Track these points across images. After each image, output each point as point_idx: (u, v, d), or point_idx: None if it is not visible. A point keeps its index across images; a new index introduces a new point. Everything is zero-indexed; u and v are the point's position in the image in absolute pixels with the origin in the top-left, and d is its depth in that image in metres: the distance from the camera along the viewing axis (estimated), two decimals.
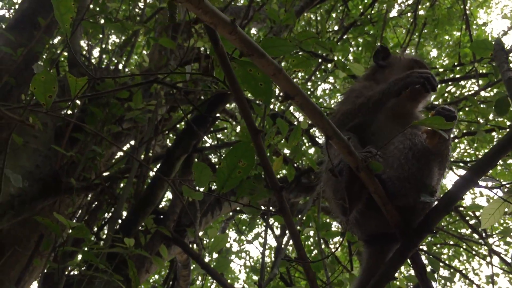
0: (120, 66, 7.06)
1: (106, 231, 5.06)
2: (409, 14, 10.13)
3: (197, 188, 2.06)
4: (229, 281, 11.25)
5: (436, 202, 2.09)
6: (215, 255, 9.33)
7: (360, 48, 9.35)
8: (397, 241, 2.15)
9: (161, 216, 5.23)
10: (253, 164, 1.82)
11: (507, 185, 2.11)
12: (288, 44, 1.75)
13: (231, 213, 9.25)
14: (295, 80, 10.47)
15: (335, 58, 4.23)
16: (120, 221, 4.91)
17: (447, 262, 9.91)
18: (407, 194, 2.05)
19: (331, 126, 1.79)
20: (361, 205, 2.16)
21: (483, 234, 8.04)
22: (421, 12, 9.99)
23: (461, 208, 7.68)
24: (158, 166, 5.86)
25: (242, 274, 11.22)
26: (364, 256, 2.41)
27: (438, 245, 10.10)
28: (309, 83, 9.76)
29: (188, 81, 3.68)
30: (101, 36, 6.65)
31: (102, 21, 6.19)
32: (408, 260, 2.28)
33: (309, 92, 8.84)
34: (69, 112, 5.87)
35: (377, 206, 2.06)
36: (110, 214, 5.48)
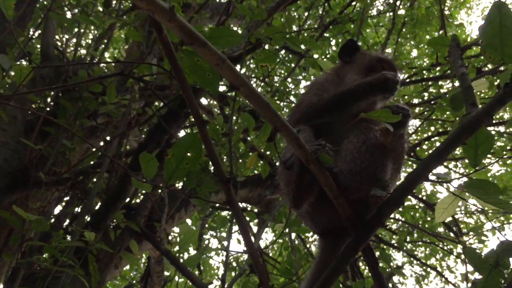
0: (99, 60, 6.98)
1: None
2: (390, 13, 10.18)
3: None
4: (208, 277, 11.22)
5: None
6: (192, 251, 9.33)
7: (339, 47, 9.37)
8: (349, 234, 2.14)
9: (133, 211, 5.19)
10: (200, 155, 1.81)
11: (458, 179, 2.13)
12: (237, 34, 1.74)
13: (210, 209, 9.25)
14: (275, 77, 10.48)
15: (310, 55, 4.23)
16: (90, 215, 4.86)
17: (423, 260, 10.01)
18: (358, 188, 2.05)
19: (278, 118, 1.79)
20: (312, 198, 2.15)
21: (458, 233, 8.14)
22: (402, 12, 10.07)
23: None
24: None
25: (221, 270, 11.21)
26: (318, 250, 2.42)
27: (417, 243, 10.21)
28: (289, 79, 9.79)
29: (159, 73, 3.64)
30: (76, 30, 6.57)
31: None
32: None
33: (288, 89, 8.85)
34: (42, 105, 5.80)
35: (329, 200, 2.06)
36: (80, 208, 5.42)
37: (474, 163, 2.10)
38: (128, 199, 5.86)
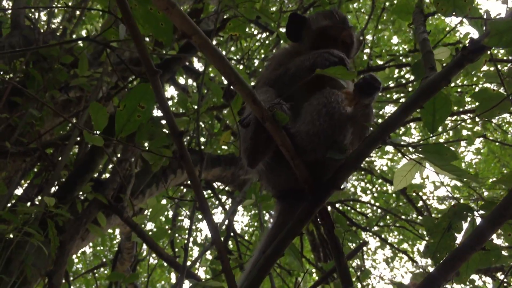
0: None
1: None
2: None
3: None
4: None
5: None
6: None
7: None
8: (306, 197, 2.13)
9: (101, 185, 5.12)
10: (152, 107, 1.77)
11: (416, 145, 2.13)
12: None
13: (184, 190, 9.20)
14: (255, 60, 10.41)
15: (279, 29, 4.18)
16: (57, 187, 4.78)
17: (396, 245, 10.16)
18: (315, 150, 2.03)
19: (233, 71, 1.75)
20: (269, 158, 2.14)
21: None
22: None
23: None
24: None
25: (196, 251, 11.19)
26: (274, 213, 2.40)
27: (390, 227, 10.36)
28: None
29: (127, 40, 3.56)
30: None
31: None
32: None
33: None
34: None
35: (287, 161, 2.04)
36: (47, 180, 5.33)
37: (432, 128, 2.11)
38: (97, 173, 5.79)
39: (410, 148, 2.16)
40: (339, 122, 2.12)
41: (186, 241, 3.23)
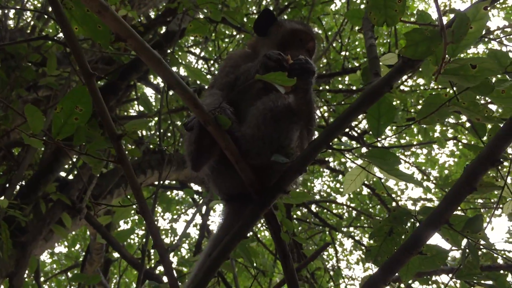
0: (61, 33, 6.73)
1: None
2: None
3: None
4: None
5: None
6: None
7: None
8: (253, 201, 2.13)
9: (66, 185, 5.06)
10: (90, 110, 1.75)
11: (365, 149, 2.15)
12: None
13: (161, 190, 9.15)
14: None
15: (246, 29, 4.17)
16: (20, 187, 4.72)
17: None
18: (260, 153, 2.03)
19: (172, 74, 1.74)
20: (214, 162, 2.13)
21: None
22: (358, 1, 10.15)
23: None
24: None
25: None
26: (222, 216, 2.40)
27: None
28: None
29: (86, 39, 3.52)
30: None
31: None
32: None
33: None
34: None
35: (233, 165, 2.04)
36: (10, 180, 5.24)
37: (377, 133, 2.13)
38: (66, 173, 5.73)
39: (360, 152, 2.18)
40: (286, 126, 2.13)
41: (143, 243, 3.22)
